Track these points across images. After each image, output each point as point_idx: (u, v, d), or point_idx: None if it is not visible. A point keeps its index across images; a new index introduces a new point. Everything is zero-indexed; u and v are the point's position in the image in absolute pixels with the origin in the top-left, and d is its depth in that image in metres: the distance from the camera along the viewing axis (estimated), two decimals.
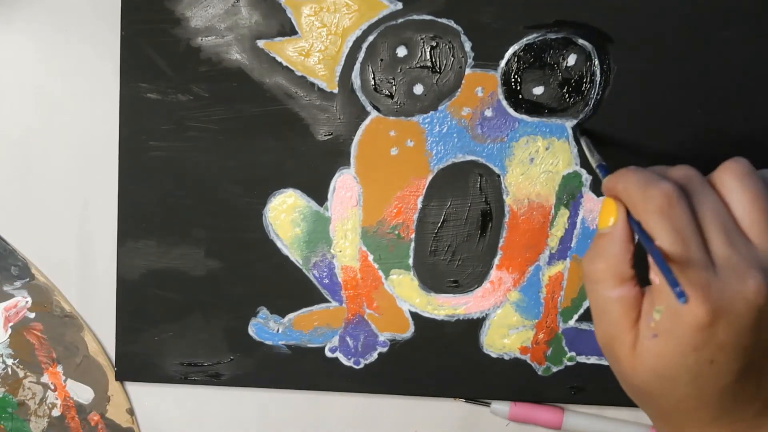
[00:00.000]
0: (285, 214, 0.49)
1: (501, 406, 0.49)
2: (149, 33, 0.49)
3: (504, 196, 0.48)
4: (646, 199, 0.33)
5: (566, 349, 0.48)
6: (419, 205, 0.48)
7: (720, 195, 0.34)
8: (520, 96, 0.47)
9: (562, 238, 0.47)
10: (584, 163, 0.47)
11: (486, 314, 0.48)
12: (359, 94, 0.48)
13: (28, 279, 0.52)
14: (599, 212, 0.37)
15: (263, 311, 0.50)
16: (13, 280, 0.52)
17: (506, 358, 0.49)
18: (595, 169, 0.41)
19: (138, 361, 0.51)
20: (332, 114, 0.48)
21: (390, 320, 0.49)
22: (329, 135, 0.48)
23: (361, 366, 0.50)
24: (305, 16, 0.48)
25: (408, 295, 0.49)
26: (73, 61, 0.51)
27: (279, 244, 0.49)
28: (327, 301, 0.49)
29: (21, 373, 0.52)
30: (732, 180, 0.34)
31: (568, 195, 0.47)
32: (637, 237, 0.34)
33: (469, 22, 0.47)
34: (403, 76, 0.47)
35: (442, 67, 0.47)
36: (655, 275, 0.33)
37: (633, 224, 0.34)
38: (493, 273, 0.48)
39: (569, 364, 0.48)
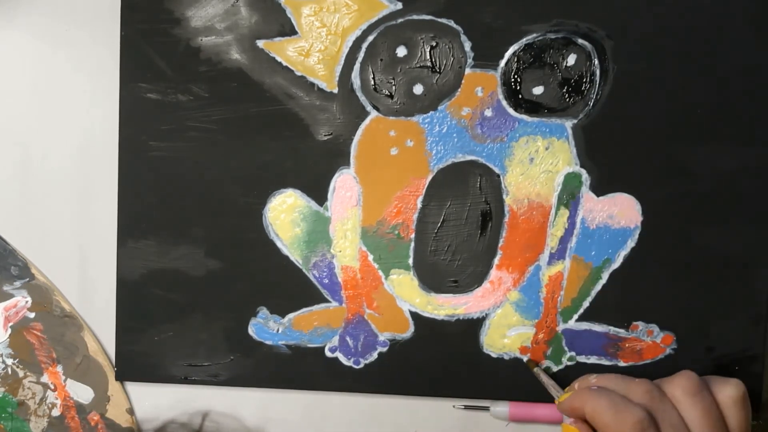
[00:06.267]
0: (285, 214, 0.49)
1: (500, 408, 0.49)
2: (149, 33, 0.49)
3: (504, 196, 0.48)
4: (619, 423, 0.39)
5: (566, 348, 0.48)
6: (419, 205, 0.48)
7: (676, 407, 0.40)
8: (520, 96, 0.47)
9: (561, 237, 0.47)
10: (584, 162, 0.47)
11: (486, 314, 0.48)
12: (359, 94, 0.48)
13: (28, 279, 0.52)
14: None
15: (263, 311, 0.50)
16: (13, 280, 0.52)
17: (506, 358, 0.49)
18: (553, 395, 0.45)
19: (138, 361, 0.51)
20: (332, 114, 0.48)
21: (390, 320, 0.49)
22: (329, 135, 0.48)
23: (361, 366, 0.50)
24: (305, 16, 0.48)
25: (408, 295, 0.49)
26: (73, 62, 0.51)
27: (279, 244, 0.49)
28: (327, 301, 0.49)
29: (21, 373, 0.52)
30: (684, 398, 0.40)
31: (568, 195, 0.47)
32: None
33: (469, 22, 0.47)
34: (402, 76, 0.47)
35: (442, 67, 0.47)
36: None
37: None
38: (493, 273, 0.48)
39: (569, 363, 0.48)
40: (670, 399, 0.40)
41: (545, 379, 0.46)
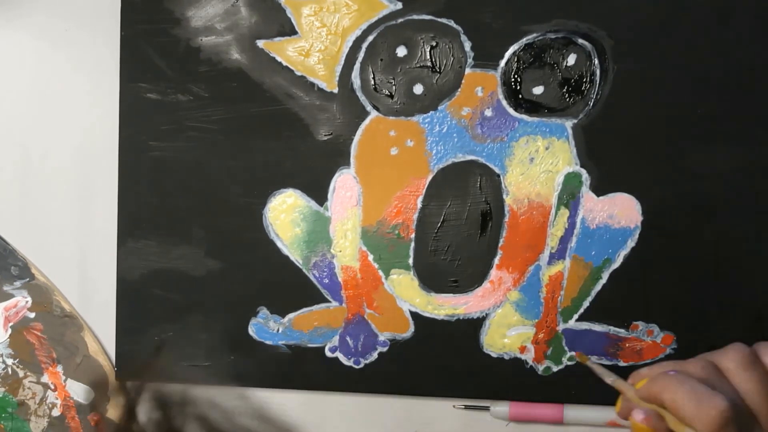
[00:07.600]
0: (285, 214, 0.49)
1: (500, 408, 0.49)
2: (149, 33, 0.49)
3: (504, 196, 0.48)
4: (702, 413, 0.37)
5: (566, 348, 0.48)
6: (419, 205, 0.48)
7: (730, 380, 0.39)
8: (520, 96, 0.47)
9: (562, 237, 0.47)
10: (584, 162, 0.47)
11: (486, 314, 0.48)
12: (359, 94, 0.48)
13: (28, 279, 0.52)
14: None
15: (263, 311, 0.50)
16: (13, 280, 0.52)
17: (506, 357, 0.49)
18: (612, 385, 0.42)
19: (138, 361, 0.51)
20: (332, 114, 0.48)
21: (390, 320, 0.49)
22: (329, 135, 0.48)
23: (361, 366, 0.50)
24: (305, 16, 0.48)
25: (408, 295, 0.49)
26: (73, 62, 0.51)
27: (279, 244, 0.49)
28: (327, 301, 0.49)
29: (21, 373, 0.52)
30: (738, 371, 0.38)
31: (568, 195, 0.47)
32: None
33: (469, 22, 0.47)
34: (403, 76, 0.47)
35: (442, 67, 0.47)
36: None
37: None
38: (493, 273, 0.48)
39: (569, 363, 0.48)
40: (725, 371, 0.39)
41: (601, 370, 0.45)
